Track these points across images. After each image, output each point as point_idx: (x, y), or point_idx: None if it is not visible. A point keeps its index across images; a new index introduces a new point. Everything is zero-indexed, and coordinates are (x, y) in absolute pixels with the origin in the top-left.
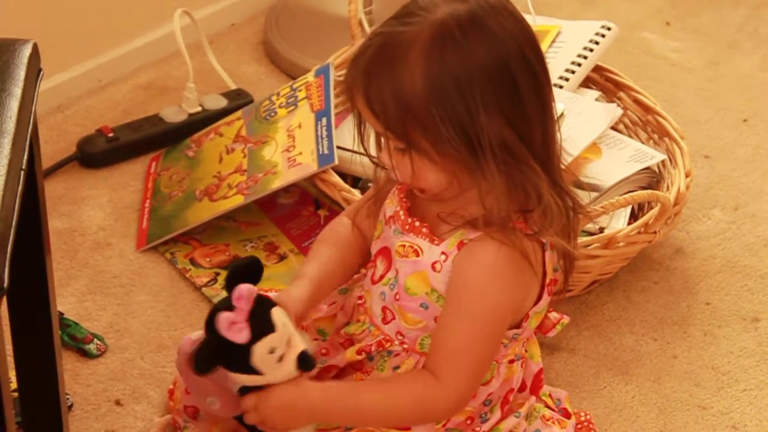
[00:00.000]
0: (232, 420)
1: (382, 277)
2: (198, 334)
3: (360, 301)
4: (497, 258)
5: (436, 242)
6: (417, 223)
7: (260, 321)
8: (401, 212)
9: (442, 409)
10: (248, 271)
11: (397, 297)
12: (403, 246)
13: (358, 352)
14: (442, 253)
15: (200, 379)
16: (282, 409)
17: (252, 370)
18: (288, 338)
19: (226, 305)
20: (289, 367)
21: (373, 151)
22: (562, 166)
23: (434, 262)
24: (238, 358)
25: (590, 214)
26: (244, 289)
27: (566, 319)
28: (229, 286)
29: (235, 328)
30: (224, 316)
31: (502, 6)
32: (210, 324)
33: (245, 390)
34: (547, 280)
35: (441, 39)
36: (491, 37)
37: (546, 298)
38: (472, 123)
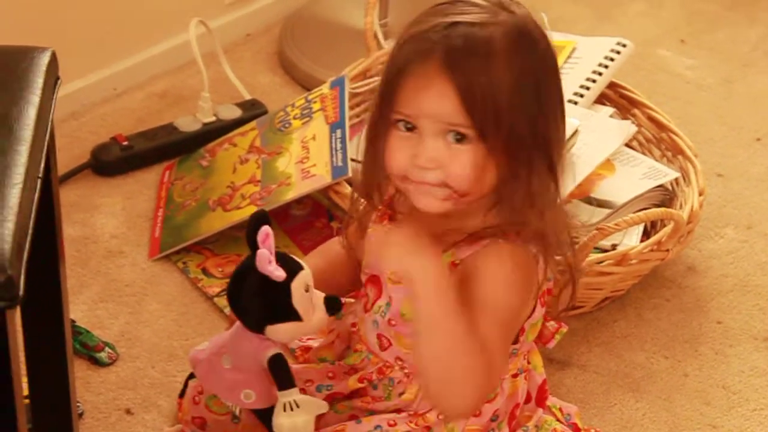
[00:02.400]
0: None
1: (373, 304)
2: (204, 345)
3: (354, 329)
4: (512, 260)
5: None
6: None
7: (288, 260)
8: None
9: (493, 378)
10: (264, 222)
11: (393, 322)
12: (395, 272)
13: (360, 380)
14: None
15: (233, 374)
16: (406, 241)
17: (292, 315)
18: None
19: (251, 261)
20: (320, 312)
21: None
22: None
23: None
24: (281, 300)
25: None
26: (269, 229)
27: (564, 328)
28: (251, 235)
29: (273, 265)
30: (263, 253)
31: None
32: (240, 275)
33: (276, 361)
34: (540, 291)
35: (521, 38)
36: (550, 44)
37: (540, 309)
38: (544, 123)
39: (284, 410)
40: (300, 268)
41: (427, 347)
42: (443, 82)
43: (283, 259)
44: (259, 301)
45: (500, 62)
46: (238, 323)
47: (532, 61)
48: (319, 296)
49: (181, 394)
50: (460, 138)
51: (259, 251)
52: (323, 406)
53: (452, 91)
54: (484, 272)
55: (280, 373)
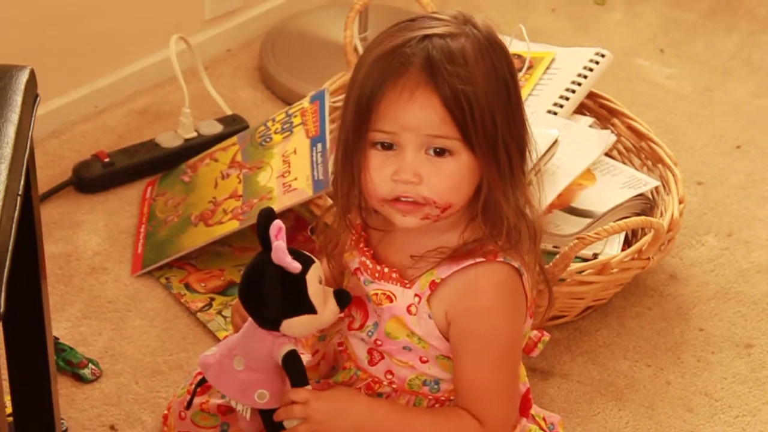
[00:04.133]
0: None
1: (361, 326)
2: (212, 350)
3: (341, 348)
4: (496, 288)
5: (407, 285)
6: (386, 270)
7: (300, 254)
8: (368, 261)
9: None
10: (273, 217)
11: (378, 342)
12: (376, 294)
13: None
14: (416, 295)
15: (246, 374)
16: (330, 410)
17: (309, 308)
18: None
19: (264, 257)
20: (332, 305)
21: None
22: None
23: (409, 306)
24: (297, 292)
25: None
26: (280, 223)
27: (547, 336)
28: (263, 231)
29: (290, 257)
30: (280, 245)
31: None
32: (255, 271)
33: (290, 358)
34: (529, 303)
35: (490, 46)
36: (508, 51)
37: (529, 321)
38: (519, 123)
39: None
40: (312, 260)
41: None
42: (426, 92)
43: (295, 253)
44: (279, 294)
45: (476, 69)
46: (248, 324)
47: (501, 66)
48: (329, 290)
49: (188, 405)
50: (440, 152)
51: (276, 243)
52: None
53: (437, 101)
54: (468, 322)
55: (294, 370)
